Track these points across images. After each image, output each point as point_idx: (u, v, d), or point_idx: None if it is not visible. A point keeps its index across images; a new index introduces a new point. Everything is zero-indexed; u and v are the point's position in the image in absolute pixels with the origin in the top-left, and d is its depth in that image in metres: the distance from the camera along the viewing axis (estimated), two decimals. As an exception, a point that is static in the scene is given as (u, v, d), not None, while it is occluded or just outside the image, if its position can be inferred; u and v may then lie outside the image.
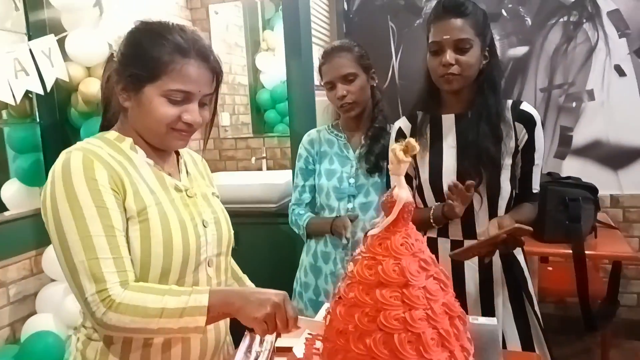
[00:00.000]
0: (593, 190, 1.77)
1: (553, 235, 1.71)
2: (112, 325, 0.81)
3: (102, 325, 0.82)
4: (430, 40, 1.24)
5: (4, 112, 1.94)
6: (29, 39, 1.85)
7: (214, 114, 1.00)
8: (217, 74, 0.94)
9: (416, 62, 2.67)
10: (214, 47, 2.91)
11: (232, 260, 1.21)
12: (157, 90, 0.88)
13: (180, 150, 1.06)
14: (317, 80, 2.45)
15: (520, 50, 2.53)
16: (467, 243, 1.25)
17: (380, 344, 0.66)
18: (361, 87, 1.45)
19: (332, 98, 1.48)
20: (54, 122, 2.03)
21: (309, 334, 0.86)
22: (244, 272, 1.25)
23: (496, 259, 1.27)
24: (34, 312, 1.87)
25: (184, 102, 0.89)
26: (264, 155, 2.94)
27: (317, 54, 2.53)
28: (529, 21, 2.50)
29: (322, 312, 1.04)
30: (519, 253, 1.31)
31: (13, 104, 1.60)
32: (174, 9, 2.80)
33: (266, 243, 2.41)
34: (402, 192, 0.72)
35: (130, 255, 0.86)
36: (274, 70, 3.04)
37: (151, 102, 0.88)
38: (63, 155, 0.87)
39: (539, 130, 1.27)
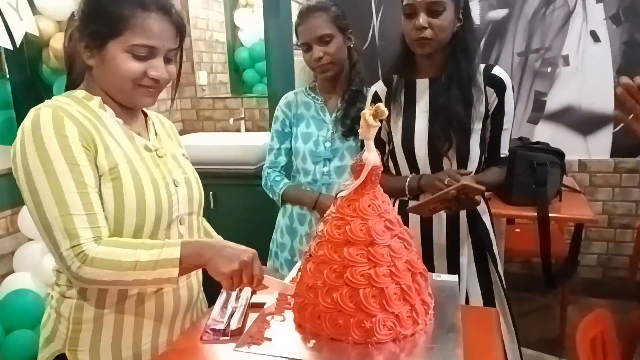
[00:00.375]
0: (560, 155, 1.84)
1: (520, 198, 1.78)
2: (87, 279, 0.84)
3: (78, 279, 0.84)
4: (404, 3, 1.24)
5: (-29, 68, 1.88)
6: (-5, -10, 1.77)
7: (180, 70, 1.00)
8: (180, 28, 0.93)
9: (397, 23, 2.66)
10: (191, 1, 2.81)
11: (206, 222, 1.23)
12: (120, 46, 0.87)
13: (148, 112, 1.06)
14: (295, 39, 2.43)
15: (500, 13, 2.53)
16: (423, 198, 1.31)
17: (347, 298, 0.71)
18: (338, 48, 1.45)
19: (308, 60, 1.47)
20: (25, 78, 1.97)
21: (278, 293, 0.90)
22: (220, 234, 1.26)
23: (463, 220, 1.33)
24: (11, 271, 1.88)
25: (149, 57, 0.89)
26: (242, 116, 2.92)
27: (296, 11, 2.49)
28: (509, -17, 2.49)
29: (293, 273, 1.09)
30: (485, 214, 1.37)
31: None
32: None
33: (244, 204, 2.44)
34: (371, 156, 0.75)
35: (103, 211, 0.87)
36: (253, 28, 2.97)
37: (115, 58, 0.87)
38: (32, 112, 0.86)
39: (509, 95, 1.29)
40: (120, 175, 0.88)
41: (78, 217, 0.83)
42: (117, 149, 0.90)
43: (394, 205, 1.39)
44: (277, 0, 2.19)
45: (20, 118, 1.99)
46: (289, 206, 1.59)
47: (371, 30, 2.70)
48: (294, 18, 2.38)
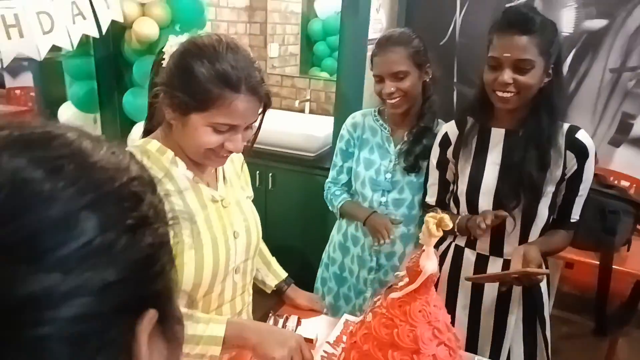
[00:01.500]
0: (636, 204, 1.72)
1: (584, 242, 1.69)
2: None
3: None
4: (489, 54, 1.17)
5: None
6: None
7: (257, 134, 1.00)
8: (264, 102, 0.94)
9: (481, 21, 2.50)
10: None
11: (264, 245, 1.28)
12: (203, 121, 0.88)
13: None
14: (371, 33, 2.34)
15: (598, 24, 2.30)
16: (492, 261, 1.29)
17: (384, 398, 0.74)
18: (412, 84, 1.39)
19: (378, 91, 1.43)
20: (108, 54, 2.07)
21: (324, 351, 0.95)
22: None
23: (518, 289, 1.29)
24: None
25: (228, 132, 0.91)
26: (308, 97, 2.92)
27: (375, 3, 2.38)
28: (615, -9, 2.25)
29: (340, 325, 1.13)
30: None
31: (70, 49, 1.63)
32: None
33: (301, 190, 2.49)
34: (429, 264, 0.75)
35: None
36: (329, -1, 2.88)
37: (196, 129, 0.89)
38: None
39: (590, 163, 1.21)
40: (182, 239, 0.89)
41: None
42: (181, 209, 0.93)
43: (448, 249, 1.39)
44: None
45: (101, 88, 2.12)
46: (344, 224, 1.62)
47: (452, 25, 2.55)
48: (373, 10, 2.31)
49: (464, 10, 2.53)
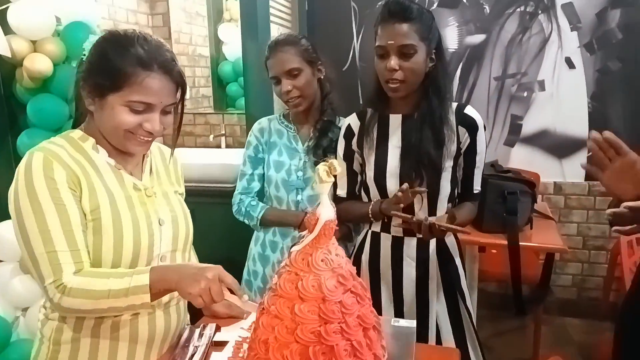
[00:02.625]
0: (531, 184, 1.87)
1: (491, 226, 1.81)
2: (66, 308, 0.91)
3: (59, 309, 0.92)
4: (376, 44, 1.26)
5: (-58, 85, 1.86)
6: (-33, 9, 1.75)
7: (180, 121, 1.04)
8: (180, 85, 0.99)
9: (377, 44, 2.69)
10: (173, 16, 2.81)
11: (194, 254, 1.27)
12: (119, 100, 0.93)
13: (150, 147, 1.10)
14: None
15: (478, 38, 2.57)
16: (407, 241, 1.33)
17: (297, 355, 0.71)
18: (307, 81, 1.46)
19: (278, 93, 1.49)
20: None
21: (239, 335, 0.91)
22: (198, 252, 1.31)
23: (433, 257, 1.34)
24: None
25: (145, 111, 0.95)
26: (223, 132, 2.92)
27: (276, 32, 2.50)
28: (487, 9, 2.54)
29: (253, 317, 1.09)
30: (455, 254, 1.39)
31: (-51, 82, 1.53)
32: (130, -25, 2.68)
33: (222, 223, 2.41)
34: (325, 211, 0.75)
35: (86, 244, 0.94)
36: (237, 42, 2.95)
37: (112, 109, 0.94)
38: (27, 155, 0.94)
39: (481, 134, 1.32)
40: (101, 216, 0.95)
41: (62, 253, 0.90)
42: (101, 191, 0.97)
43: (365, 236, 1.41)
44: (255, 20, 2.20)
45: (-8, 135, 1.97)
46: (261, 234, 1.60)
47: (352, 51, 2.73)
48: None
49: (360, 37, 2.71)
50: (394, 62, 1.22)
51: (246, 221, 1.61)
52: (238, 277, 1.75)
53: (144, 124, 0.95)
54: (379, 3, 2.65)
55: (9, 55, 1.76)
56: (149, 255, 1.01)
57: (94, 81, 0.95)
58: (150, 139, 0.99)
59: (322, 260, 0.75)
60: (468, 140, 1.31)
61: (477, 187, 1.36)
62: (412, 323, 0.93)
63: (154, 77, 0.93)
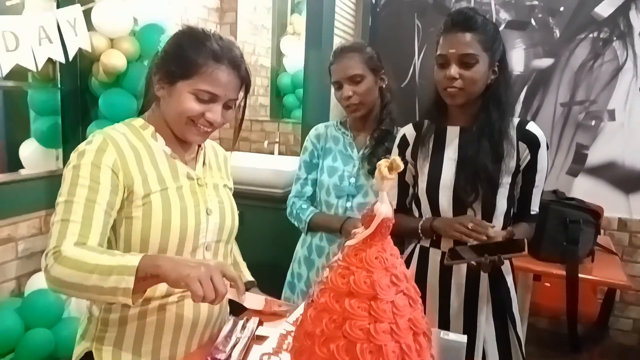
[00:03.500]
0: (596, 214, 1.76)
1: (549, 254, 1.71)
2: (54, 277, 0.85)
3: (47, 278, 0.87)
4: (437, 53, 1.24)
5: (28, 75, 2.01)
6: (58, 6, 1.89)
7: (242, 119, 1.10)
8: (245, 83, 1.04)
9: (438, 63, 2.66)
10: (240, 27, 2.92)
11: (236, 247, 1.29)
12: (187, 87, 0.98)
13: (205, 143, 1.14)
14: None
15: (545, 62, 2.49)
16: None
17: (343, 351, 0.69)
18: (368, 88, 1.46)
19: (338, 98, 1.49)
20: (75, 88, 2.08)
21: (284, 328, 0.90)
22: (244, 253, 1.34)
23: (484, 276, 1.28)
24: (39, 269, 1.96)
25: (210, 101, 0.99)
26: (277, 139, 2.97)
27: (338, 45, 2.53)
28: (557, 33, 2.45)
29: (301, 308, 1.08)
30: (508, 274, 1.32)
31: (34, 70, 1.65)
32: (204, -14, 2.82)
33: (270, 227, 2.46)
34: (383, 207, 0.74)
35: (105, 230, 0.92)
36: (297, 55, 3.04)
37: (180, 95, 0.99)
38: (90, 136, 0.99)
39: (542, 152, 1.26)
40: (151, 201, 0.98)
41: (73, 223, 0.89)
42: (154, 178, 1.00)
43: (413, 250, 1.37)
44: (319, 32, 2.24)
45: (65, 124, 2.10)
46: (308, 237, 1.60)
47: (412, 68, 2.71)
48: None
49: (422, 54, 2.70)
50: (453, 70, 1.19)
51: (296, 223, 1.63)
52: (282, 280, 1.75)
53: (207, 113, 1.00)
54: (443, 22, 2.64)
55: (89, 49, 1.88)
56: (194, 242, 1.03)
57: (167, 68, 1.00)
58: (209, 129, 1.03)
59: (376, 258, 0.73)
60: (528, 157, 1.26)
61: (534, 208, 1.30)
62: (463, 338, 0.88)
63: (223, 71, 0.98)
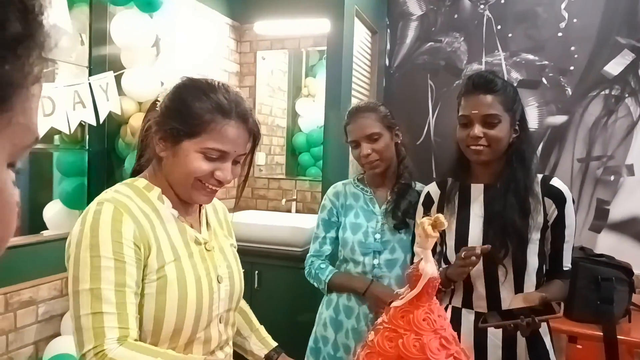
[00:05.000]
0: (628, 271, 1.71)
1: (582, 314, 1.66)
2: None
3: None
4: (459, 114, 1.27)
5: (56, 137, 2.07)
6: (90, 72, 1.99)
7: (248, 172, 1.03)
8: (254, 136, 0.97)
9: (452, 122, 2.71)
10: (259, 90, 3.04)
11: (245, 304, 1.21)
12: (194, 147, 0.90)
13: None
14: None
15: (559, 119, 2.53)
16: (490, 316, 1.23)
17: (395, 420, 0.66)
18: (385, 145, 1.48)
19: (357, 156, 1.51)
20: (102, 150, 2.14)
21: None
22: (262, 314, 1.25)
23: (521, 337, 1.24)
24: (58, 333, 1.92)
25: (218, 160, 0.92)
26: (295, 197, 2.99)
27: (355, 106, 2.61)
28: (569, 91, 2.51)
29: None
30: (545, 334, 1.28)
31: (68, 133, 1.71)
32: (225, 52, 2.96)
33: (288, 287, 2.41)
34: (428, 267, 0.73)
35: (137, 313, 0.86)
36: (312, 115, 3.14)
37: (187, 155, 0.91)
38: (95, 204, 0.88)
39: (569, 207, 1.26)
40: (166, 274, 0.89)
41: (109, 315, 0.82)
42: (167, 247, 0.92)
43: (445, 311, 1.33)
44: (338, 94, 2.32)
45: (91, 185, 2.14)
46: (334, 297, 1.56)
47: (427, 126, 2.77)
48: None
49: (436, 113, 2.76)
50: (477, 130, 1.22)
51: (315, 283, 1.59)
52: (302, 342, 1.69)
53: (216, 172, 0.92)
54: (456, 82, 2.73)
55: (119, 113, 1.95)
56: (209, 316, 0.96)
57: (170, 126, 0.91)
58: (217, 188, 0.96)
59: (424, 320, 0.71)
60: (555, 213, 1.25)
61: (567, 264, 1.28)
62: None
63: (232, 126, 0.91)
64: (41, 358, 1.84)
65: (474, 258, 1.14)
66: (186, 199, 0.98)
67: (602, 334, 1.59)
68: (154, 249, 0.89)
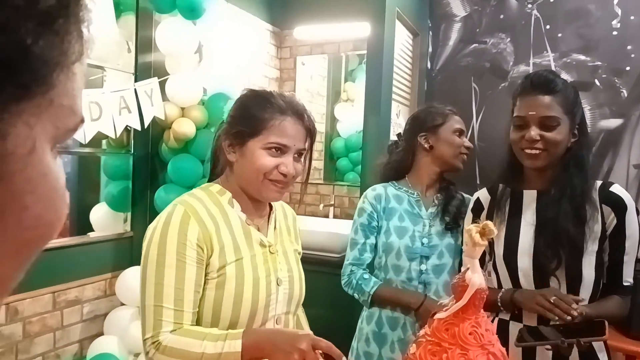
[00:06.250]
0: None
1: (642, 331, 1.54)
2: None
3: None
4: (515, 114, 1.21)
5: (103, 142, 2.14)
6: (135, 79, 2.04)
7: (309, 169, 1.11)
8: (310, 132, 1.06)
9: (497, 126, 2.63)
10: (298, 94, 3.04)
11: (304, 318, 1.26)
12: (258, 144, 1.00)
13: (274, 204, 1.14)
14: (392, 134, 2.47)
15: (614, 123, 2.39)
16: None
17: None
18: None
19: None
20: (146, 154, 2.20)
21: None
22: None
23: (574, 354, 1.15)
24: (101, 332, 1.97)
25: (281, 154, 1.01)
26: (332, 202, 2.97)
27: (395, 109, 2.56)
28: (624, 93, 2.37)
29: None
30: (601, 351, 1.19)
31: (114, 137, 1.76)
32: (265, 57, 2.98)
33: (325, 294, 2.37)
34: (476, 277, 0.69)
35: (195, 308, 0.96)
36: (351, 120, 3.11)
37: (253, 154, 1.00)
38: (170, 206, 0.99)
39: (631, 215, 1.16)
40: (226, 273, 0.98)
41: (167, 310, 0.93)
42: (230, 248, 1.00)
43: (492, 322, 1.26)
44: (378, 99, 2.28)
45: (136, 188, 2.20)
46: (375, 310, 1.48)
47: (470, 130, 2.68)
48: (393, 115, 2.47)
49: (480, 117, 2.67)
50: (534, 132, 1.15)
51: (356, 295, 1.51)
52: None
53: (280, 166, 1.00)
54: (502, 85, 2.64)
55: (162, 118, 1.99)
56: (264, 316, 1.02)
57: (236, 130, 1.02)
58: (284, 185, 1.03)
59: (470, 334, 0.67)
60: (615, 222, 1.16)
61: (628, 279, 1.18)
62: None
63: (289, 122, 1.01)
64: (85, 356, 1.90)
65: (559, 311, 1.05)
66: (258, 197, 1.05)
67: (663, 353, 1.47)
68: (217, 249, 0.98)
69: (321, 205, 2.93)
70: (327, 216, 2.96)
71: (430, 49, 2.80)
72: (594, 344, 1.14)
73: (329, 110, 3.24)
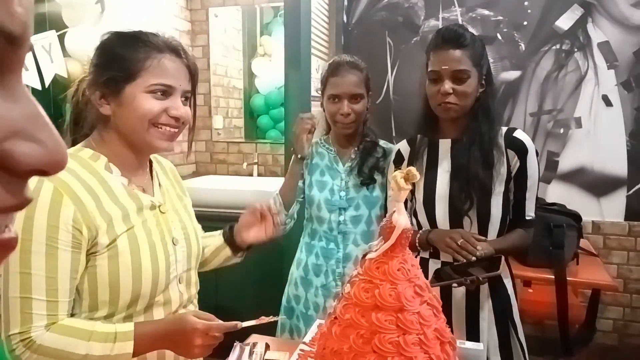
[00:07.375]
0: (577, 217, 1.83)
1: (536, 259, 1.76)
2: None
3: None
4: (429, 69, 1.27)
5: None
6: (28, 32, 1.84)
7: (195, 113, 0.99)
8: (191, 70, 0.94)
9: (411, 79, 2.74)
10: (212, 50, 2.92)
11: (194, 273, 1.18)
12: (138, 88, 0.87)
13: (151, 157, 1.04)
14: (313, 90, 2.48)
15: (513, 75, 2.59)
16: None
17: (374, 366, 0.68)
18: (364, 107, 1.48)
19: (334, 111, 1.48)
20: (48, 115, 2.01)
21: (301, 350, 0.88)
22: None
23: (484, 285, 1.30)
24: None
25: (167, 96, 0.89)
26: (256, 160, 2.95)
27: (314, 64, 2.56)
28: (522, 46, 2.57)
29: (314, 328, 1.06)
30: (506, 277, 1.34)
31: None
32: (174, 9, 2.80)
33: (255, 250, 2.41)
34: (401, 219, 0.74)
35: (71, 297, 0.85)
36: (269, 76, 3.06)
37: (134, 99, 0.87)
38: (37, 182, 0.82)
39: (531, 158, 1.30)
40: (118, 246, 0.87)
41: (37, 302, 0.81)
42: (119, 219, 0.89)
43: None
44: (298, 51, 2.26)
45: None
46: (303, 256, 1.58)
47: (386, 84, 2.77)
48: (313, 70, 2.47)
49: (394, 71, 2.76)
50: (447, 85, 1.23)
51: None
52: (276, 301, 1.71)
53: (169, 109, 0.89)
54: (414, 39, 2.73)
55: (65, 75, 1.83)
56: (166, 279, 0.95)
57: (106, 77, 0.87)
58: (175, 130, 0.92)
59: (398, 270, 0.73)
60: (518, 164, 1.29)
61: (529, 213, 1.33)
62: (480, 346, 0.89)
63: (168, 59, 0.89)
64: None
65: (465, 252, 1.16)
66: (147, 147, 0.93)
67: (553, 277, 1.70)
68: (103, 226, 0.86)
69: (244, 164, 2.90)
70: (251, 174, 2.94)
71: (345, 3, 2.80)
72: (502, 272, 1.29)
73: (246, 65, 3.15)
